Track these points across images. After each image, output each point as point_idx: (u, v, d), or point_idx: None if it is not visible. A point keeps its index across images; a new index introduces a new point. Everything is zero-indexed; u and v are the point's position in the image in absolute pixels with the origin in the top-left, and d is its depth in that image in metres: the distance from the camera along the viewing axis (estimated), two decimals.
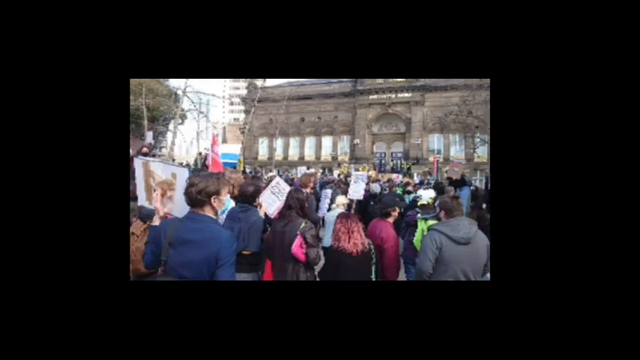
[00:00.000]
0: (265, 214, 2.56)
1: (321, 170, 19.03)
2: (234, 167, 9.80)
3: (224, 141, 36.83)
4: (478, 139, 20.50)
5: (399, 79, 25.57)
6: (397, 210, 3.04)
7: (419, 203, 3.70)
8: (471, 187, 6.25)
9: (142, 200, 2.12)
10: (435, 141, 26.14)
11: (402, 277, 3.31)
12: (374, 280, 2.36)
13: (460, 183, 6.33)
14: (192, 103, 17.05)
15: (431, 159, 21.53)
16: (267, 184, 2.96)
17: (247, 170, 12.59)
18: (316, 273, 2.49)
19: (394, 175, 14.07)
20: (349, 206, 4.43)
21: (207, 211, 1.55)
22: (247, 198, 2.49)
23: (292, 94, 26.66)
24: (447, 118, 21.38)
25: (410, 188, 7.20)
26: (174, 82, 26.44)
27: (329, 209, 4.33)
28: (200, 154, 13.70)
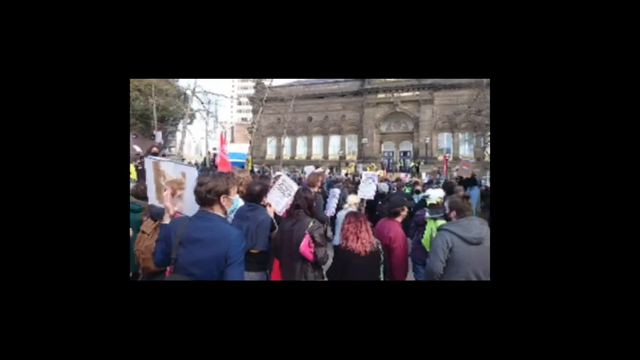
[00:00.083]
0: (274, 213, 2.57)
1: (328, 169, 19.01)
2: (243, 167, 9.86)
3: (232, 140, 37.14)
4: (488, 138, 20.22)
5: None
6: (405, 209, 3.02)
7: (428, 203, 3.67)
8: (481, 187, 6.17)
9: (152, 199, 2.15)
10: (444, 140, 25.87)
11: (410, 277, 3.29)
12: (382, 280, 2.35)
13: (470, 182, 6.25)
14: (202, 103, 17.25)
15: (440, 158, 21.34)
16: (274, 183, 2.98)
17: (255, 170, 12.66)
18: (324, 272, 2.49)
19: (402, 175, 13.97)
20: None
21: (217, 210, 1.56)
22: (254, 197, 2.51)
23: (300, 94, 26.71)
24: (457, 117, 21.12)
25: (419, 188, 7.13)
26: (184, 83, 26.78)
27: (339, 208, 4.32)
28: (209, 153, 13.83)
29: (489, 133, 20.11)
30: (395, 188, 7.06)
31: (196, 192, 1.54)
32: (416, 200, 5.79)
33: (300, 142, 30.67)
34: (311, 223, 2.34)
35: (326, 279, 2.46)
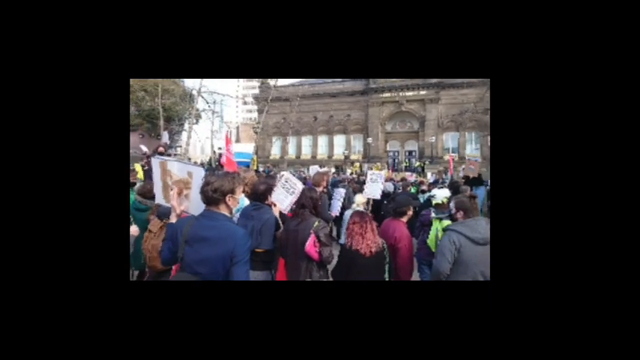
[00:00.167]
0: (280, 212, 2.58)
1: (333, 169, 19.01)
2: (248, 166, 9.91)
3: (237, 140, 37.28)
4: None
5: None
6: (411, 209, 3.01)
7: (433, 202, 3.65)
8: (487, 187, 6.11)
9: (159, 198, 2.17)
10: (450, 139, 25.69)
11: (415, 277, 3.27)
12: (387, 279, 2.34)
13: (476, 182, 6.20)
14: (207, 103, 17.35)
15: (446, 157, 21.17)
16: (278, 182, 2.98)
17: (260, 169, 12.71)
18: (329, 272, 2.49)
19: (408, 174, 13.91)
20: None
21: (223, 210, 1.57)
22: (259, 196, 2.52)
23: (305, 93, 26.70)
24: (463, 116, 20.93)
25: (424, 187, 7.10)
26: (190, 83, 26.94)
27: (344, 208, 4.31)
28: (214, 153, 13.91)
29: None
30: (400, 188, 7.03)
31: (202, 191, 1.55)
32: (421, 200, 5.77)
33: (306, 141, 30.68)
34: (316, 223, 2.34)
35: (331, 278, 2.46)
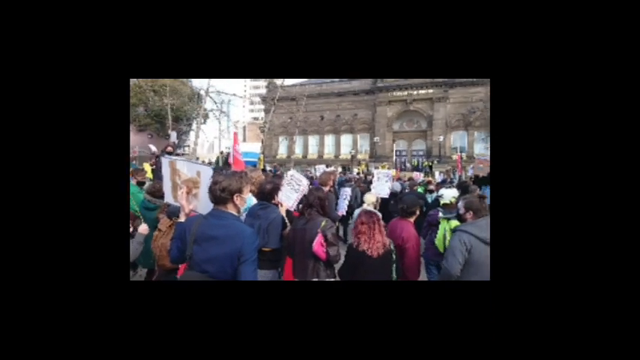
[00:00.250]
0: (286, 211, 2.59)
1: (340, 168, 18.98)
2: (255, 166, 9.95)
3: (244, 140, 37.51)
4: None
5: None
6: (418, 209, 2.99)
7: (441, 202, 3.61)
8: None
9: (168, 197, 2.19)
10: (458, 138, 25.41)
11: (422, 277, 3.25)
12: (394, 279, 2.33)
13: (485, 181, 6.12)
14: (215, 103, 17.46)
15: (454, 157, 20.95)
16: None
17: (267, 169, 12.75)
18: (336, 271, 2.49)
19: (415, 174, 13.79)
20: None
21: (230, 209, 1.58)
22: (266, 195, 2.53)
23: (312, 92, 26.69)
24: (472, 115, 20.68)
25: (432, 187, 7.03)
26: (197, 83, 27.14)
27: (353, 207, 4.29)
28: (222, 152, 14.01)
29: None
30: (407, 187, 6.99)
31: (210, 190, 1.56)
32: (429, 200, 5.72)
33: (312, 140, 30.70)
34: (323, 222, 2.34)
35: (338, 278, 2.46)
